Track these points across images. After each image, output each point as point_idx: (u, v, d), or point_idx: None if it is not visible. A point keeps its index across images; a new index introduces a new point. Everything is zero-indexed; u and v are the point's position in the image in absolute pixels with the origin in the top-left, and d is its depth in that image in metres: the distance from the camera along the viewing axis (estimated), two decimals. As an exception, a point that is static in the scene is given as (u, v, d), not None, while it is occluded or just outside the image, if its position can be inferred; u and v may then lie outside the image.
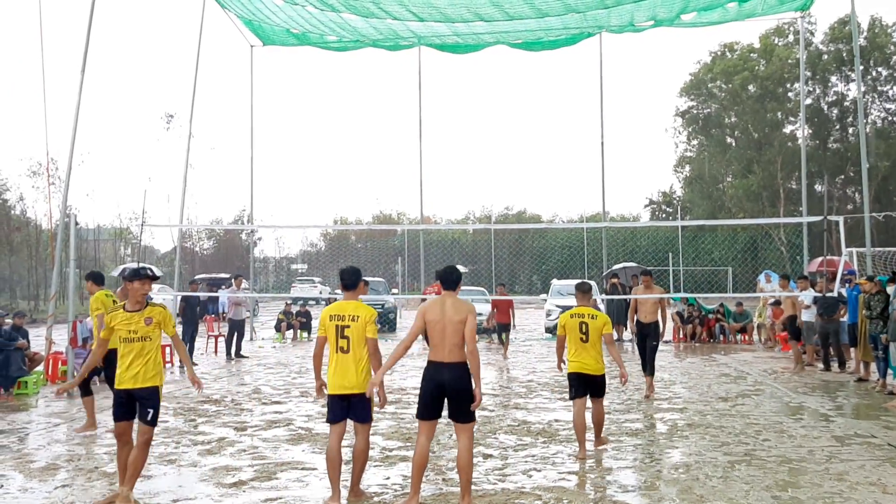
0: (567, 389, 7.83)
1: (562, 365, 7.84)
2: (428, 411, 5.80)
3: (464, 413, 5.74)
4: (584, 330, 7.44)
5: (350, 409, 5.92)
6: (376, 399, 5.88)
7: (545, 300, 23.22)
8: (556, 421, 9.18)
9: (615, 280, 19.83)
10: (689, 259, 33.90)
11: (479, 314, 20.98)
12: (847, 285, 13.68)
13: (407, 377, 12.99)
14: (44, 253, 30.55)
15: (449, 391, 5.73)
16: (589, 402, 7.57)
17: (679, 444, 7.95)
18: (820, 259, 20.29)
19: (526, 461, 7.20)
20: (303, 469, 6.93)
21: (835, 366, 13.76)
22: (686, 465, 7.05)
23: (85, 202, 65.40)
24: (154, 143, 76.77)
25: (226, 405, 10.36)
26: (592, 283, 24.07)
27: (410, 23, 18.83)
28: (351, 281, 6.15)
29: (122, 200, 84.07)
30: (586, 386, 7.49)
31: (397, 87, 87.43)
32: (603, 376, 7.59)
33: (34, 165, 33.57)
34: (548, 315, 22.23)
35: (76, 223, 12.75)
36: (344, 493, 5.96)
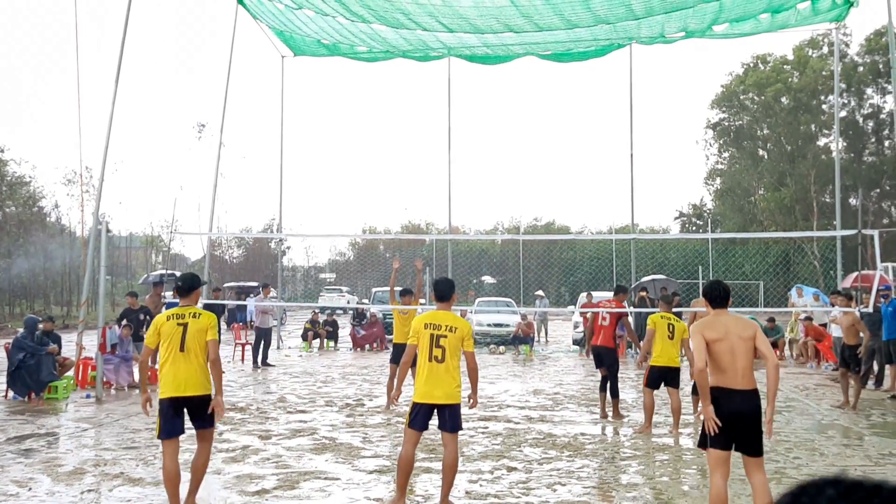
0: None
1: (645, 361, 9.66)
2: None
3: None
4: (670, 330, 9.33)
5: (439, 419, 5.89)
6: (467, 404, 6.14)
7: (573, 312, 23.02)
8: (582, 434, 9.09)
9: (643, 293, 19.62)
10: (720, 272, 33.46)
11: (507, 325, 20.89)
12: (883, 301, 13.43)
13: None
14: (77, 260, 31.05)
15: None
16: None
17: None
18: (855, 274, 19.93)
19: (550, 475, 7.13)
20: (326, 479, 6.92)
21: (870, 383, 13.50)
22: (714, 482, 6.91)
23: (118, 210, 66.64)
24: (186, 153, 77.71)
25: (251, 413, 10.41)
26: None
27: (440, 34, 18.88)
28: (445, 292, 6.19)
29: (154, 209, 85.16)
30: (664, 377, 9.35)
31: (427, 98, 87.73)
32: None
33: (69, 174, 34.38)
34: (575, 327, 22.05)
35: (108, 231, 12.89)
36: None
